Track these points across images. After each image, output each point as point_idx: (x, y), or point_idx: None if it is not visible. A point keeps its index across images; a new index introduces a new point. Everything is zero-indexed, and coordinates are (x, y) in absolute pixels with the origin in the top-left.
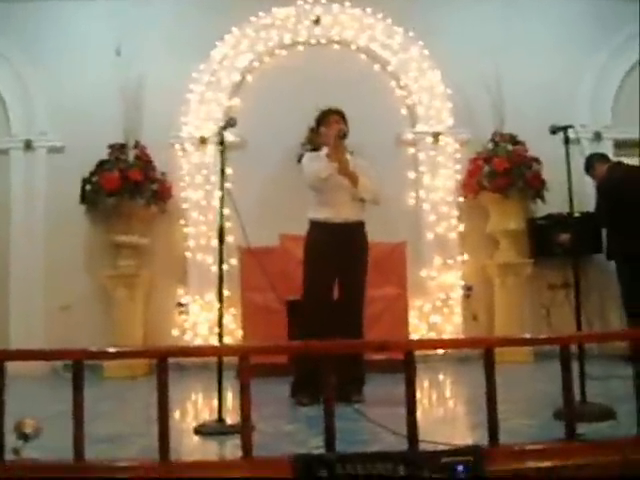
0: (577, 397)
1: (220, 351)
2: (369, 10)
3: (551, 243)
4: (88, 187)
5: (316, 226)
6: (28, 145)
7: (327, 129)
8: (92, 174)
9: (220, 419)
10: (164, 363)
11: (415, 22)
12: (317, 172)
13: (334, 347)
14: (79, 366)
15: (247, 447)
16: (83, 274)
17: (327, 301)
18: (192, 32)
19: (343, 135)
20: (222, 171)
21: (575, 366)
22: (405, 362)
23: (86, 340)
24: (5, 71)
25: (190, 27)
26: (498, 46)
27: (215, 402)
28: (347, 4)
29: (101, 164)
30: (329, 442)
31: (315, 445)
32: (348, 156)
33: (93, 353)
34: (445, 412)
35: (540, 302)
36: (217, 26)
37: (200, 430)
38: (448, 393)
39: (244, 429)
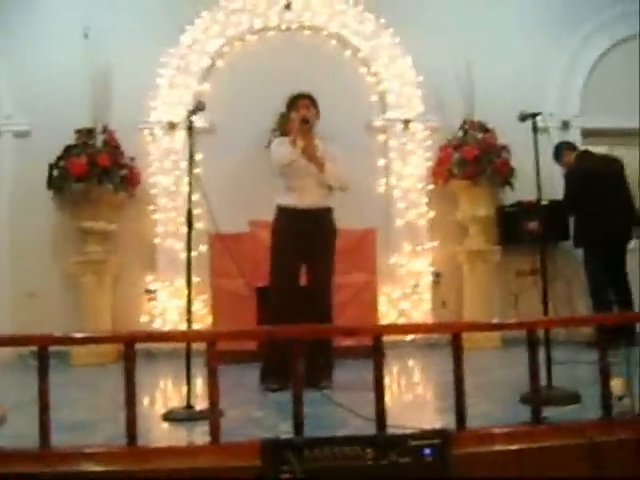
0: (543, 382)
1: (188, 336)
2: None
3: (520, 230)
4: (55, 172)
5: (282, 212)
6: None
7: (295, 114)
8: (59, 159)
9: (189, 406)
10: (131, 349)
11: (386, 9)
12: (281, 158)
13: (302, 332)
14: (44, 352)
15: (215, 433)
16: (50, 260)
17: (293, 287)
18: (162, 16)
19: (306, 121)
20: (191, 156)
21: (542, 352)
22: (373, 347)
23: (53, 327)
24: None
25: (160, 11)
26: (468, 34)
27: (184, 389)
28: None
29: (68, 149)
30: (297, 427)
31: (284, 430)
32: (317, 141)
33: (59, 338)
34: (413, 397)
35: (508, 289)
36: (187, 10)
37: (168, 416)
38: (417, 378)
39: (212, 415)
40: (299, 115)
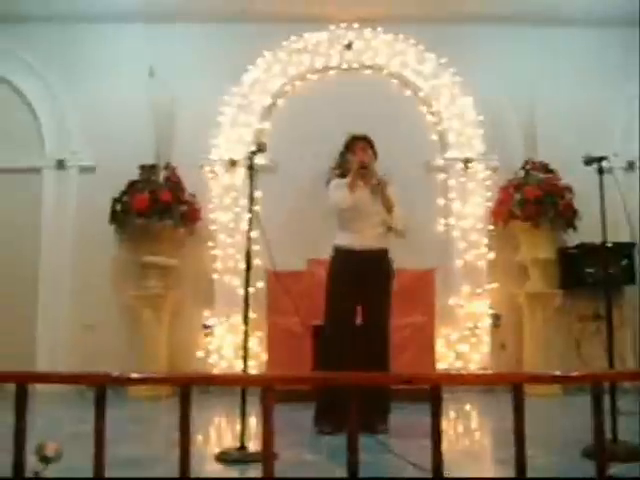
0: (608, 434)
1: (244, 380)
2: (401, 36)
3: (582, 273)
4: (118, 207)
5: (339, 252)
6: (61, 164)
7: (352, 156)
8: (122, 194)
9: (242, 447)
10: (187, 390)
11: (447, 48)
12: (338, 201)
13: (358, 379)
14: (101, 391)
15: (268, 477)
16: (110, 294)
17: (348, 327)
18: (224, 55)
19: (364, 166)
20: (251, 196)
21: (606, 401)
22: (432, 397)
23: (111, 359)
24: (41, 91)
25: (223, 50)
26: (531, 73)
27: (238, 427)
28: (379, 29)
29: (132, 184)
30: (352, 475)
31: (338, 476)
32: (382, 180)
33: (116, 378)
34: (471, 445)
35: (570, 334)
36: (249, 49)
37: (221, 457)
38: (474, 425)
39: (265, 460)
40: (357, 160)
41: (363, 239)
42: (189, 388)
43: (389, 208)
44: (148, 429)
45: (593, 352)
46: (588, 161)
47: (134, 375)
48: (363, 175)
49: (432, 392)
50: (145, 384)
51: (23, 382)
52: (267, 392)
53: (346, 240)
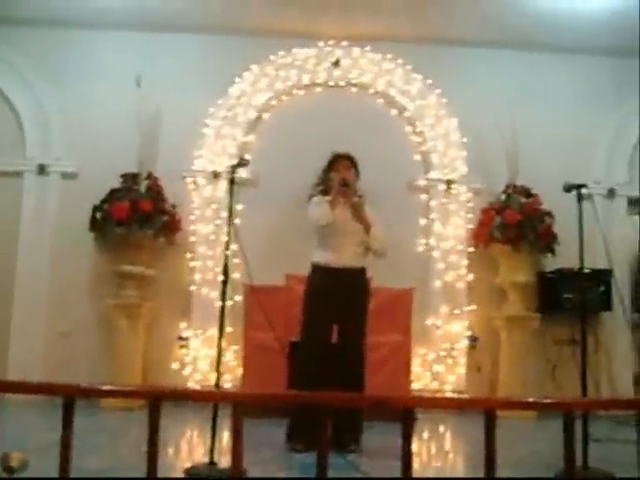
0: (579, 461)
1: (214, 396)
2: (389, 55)
3: (560, 298)
4: (98, 215)
5: (317, 269)
6: (42, 169)
7: (335, 174)
8: (103, 202)
9: (212, 462)
10: (156, 404)
11: (434, 70)
12: (318, 218)
13: (329, 399)
14: (70, 402)
15: None
16: (86, 301)
17: (323, 345)
18: (212, 67)
19: (345, 183)
20: (230, 210)
21: (579, 426)
22: (403, 420)
23: (86, 368)
24: (25, 95)
25: (210, 62)
26: (516, 98)
27: (209, 442)
28: (367, 48)
29: (112, 193)
30: None
31: None
32: (360, 200)
33: (85, 389)
34: (442, 467)
35: (546, 357)
36: (237, 63)
37: (191, 472)
38: (447, 447)
39: (234, 477)
40: (339, 177)
41: (341, 257)
42: (159, 402)
43: (367, 228)
44: (118, 440)
45: (568, 376)
46: (568, 188)
47: (103, 387)
48: (344, 193)
49: (404, 416)
50: (114, 396)
51: None
52: (237, 409)
53: (324, 258)
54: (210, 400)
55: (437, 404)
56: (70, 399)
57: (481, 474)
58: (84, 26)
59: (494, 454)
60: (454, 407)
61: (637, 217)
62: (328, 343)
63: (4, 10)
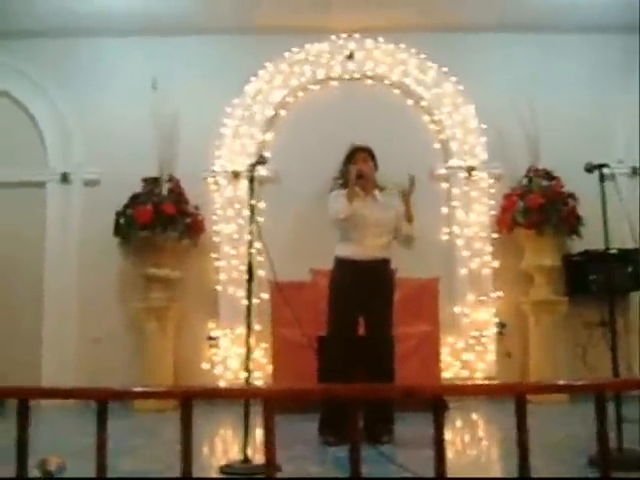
0: (613, 443)
1: (244, 393)
2: (402, 45)
3: (587, 280)
4: (122, 220)
5: (340, 263)
6: (65, 178)
7: (352, 167)
8: (126, 207)
9: (246, 459)
10: (188, 404)
11: (449, 57)
12: (336, 212)
13: (360, 391)
14: (103, 406)
15: None
16: (115, 306)
17: (350, 338)
18: (227, 67)
19: (361, 175)
20: (252, 208)
21: (612, 408)
22: (434, 408)
23: (117, 372)
24: (44, 104)
25: (225, 62)
26: (532, 81)
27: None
28: (381, 39)
29: (135, 197)
30: None
31: None
32: (376, 192)
33: (117, 393)
34: (477, 455)
35: (576, 341)
36: (251, 61)
37: (225, 470)
38: (480, 434)
39: (268, 474)
40: (355, 169)
41: (364, 249)
42: (190, 402)
43: (409, 216)
44: (153, 442)
45: (599, 359)
46: (589, 169)
47: (136, 389)
48: (362, 185)
49: (434, 404)
50: (146, 398)
51: (25, 397)
52: (268, 405)
53: (347, 251)
54: (240, 397)
55: (466, 391)
56: (103, 402)
57: (515, 461)
58: (98, 33)
59: (526, 440)
60: (483, 393)
61: None
62: (355, 336)
63: (20, 23)
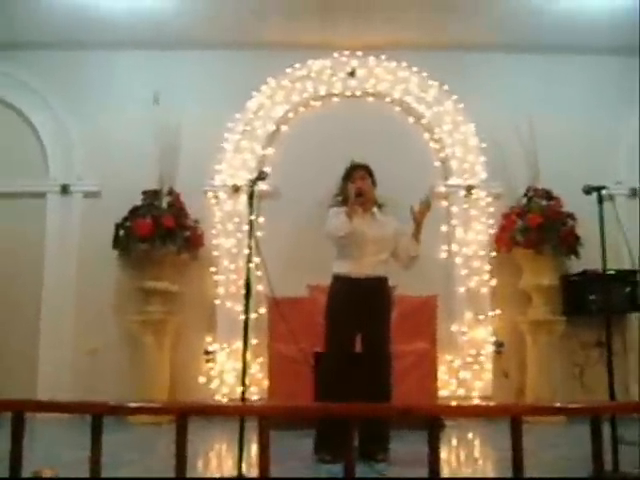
0: (609, 464)
1: (240, 410)
2: (404, 64)
3: (585, 300)
4: (121, 232)
5: (338, 280)
6: (65, 189)
7: (351, 184)
8: (125, 220)
9: (240, 475)
10: (183, 420)
11: (450, 76)
12: (335, 229)
13: (355, 411)
14: (98, 420)
15: None
16: (112, 318)
17: (347, 355)
18: (229, 82)
19: (359, 194)
20: (251, 224)
21: (608, 429)
22: (430, 429)
23: (113, 384)
24: (46, 116)
25: (227, 77)
26: (533, 100)
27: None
28: (382, 57)
29: (134, 210)
30: None
31: None
32: (374, 210)
33: (113, 408)
34: (472, 475)
35: (573, 361)
36: (253, 76)
37: None
38: (476, 454)
39: None
40: (354, 187)
41: (361, 267)
42: (185, 418)
43: (417, 234)
44: (147, 455)
45: (597, 379)
46: (587, 190)
47: (131, 405)
48: (361, 202)
49: (431, 426)
50: (141, 413)
51: (20, 410)
52: (263, 423)
53: (344, 268)
54: (236, 414)
55: (463, 412)
56: (98, 417)
57: None
58: (102, 46)
59: (521, 461)
60: (480, 415)
61: None
62: (352, 353)
63: (24, 35)
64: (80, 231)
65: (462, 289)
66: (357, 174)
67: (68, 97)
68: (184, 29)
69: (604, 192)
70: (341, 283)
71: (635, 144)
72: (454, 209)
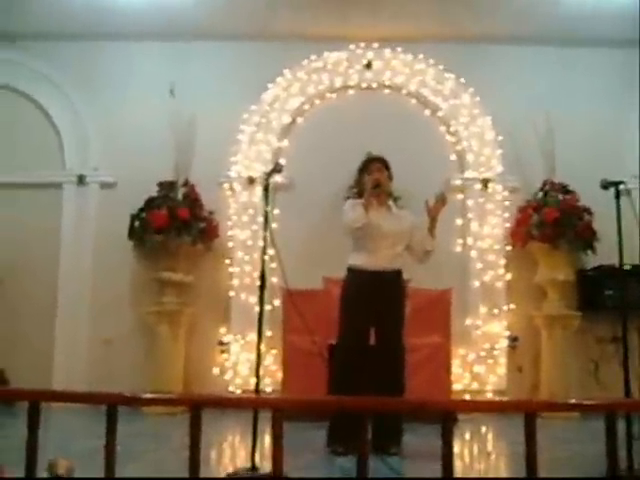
0: (624, 461)
1: (254, 403)
2: (421, 56)
3: (601, 295)
4: (136, 223)
5: (353, 272)
6: (81, 180)
7: (368, 177)
8: (141, 210)
9: (253, 467)
10: (197, 413)
11: (466, 68)
12: (352, 221)
13: (368, 404)
14: (113, 411)
15: None
16: (128, 309)
17: (361, 347)
18: (244, 74)
19: (377, 185)
20: (266, 216)
21: (623, 426)
22: (443, 423)
23: (128, 374)
24: (63, 106)
25: (243, 69)
26: (549, 94)
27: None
28: (399, 49)
29: (150, 201)
30: None
31: None
32: (390, 203)
33: (127, 398)
34: (485, 470)
35: (588, 356)
36: (269, 68)
37: (232, 477)
38: (489, 448)
39: None
40: (371, 179)
41: (377, 260)
42: (199, 409)
43: (432, 228)
44: (162, 446)
45: (612, 375)
46: (605, 185)
47: (145, 396)
48: (377, 195)
49: (444, 420)
50: (156, 404)
51: (36, 400)
52: (277, 415)
53: (360, 260)
54: (249, 406)
55: (477, 407)
56: (113, 408)
57: (524, 476)
58: (118, 38)
59: (535, 458)
60: (494, 410)
61: None
62: (366, 346)
63: (40, 25)
64: (96, 222)
65: (477, 283)
66: (374, 166)
67: (84, 88)
68: (200, 21)
69: (621, 187)
70: (356, 275)
71: None
72: (470, 202)
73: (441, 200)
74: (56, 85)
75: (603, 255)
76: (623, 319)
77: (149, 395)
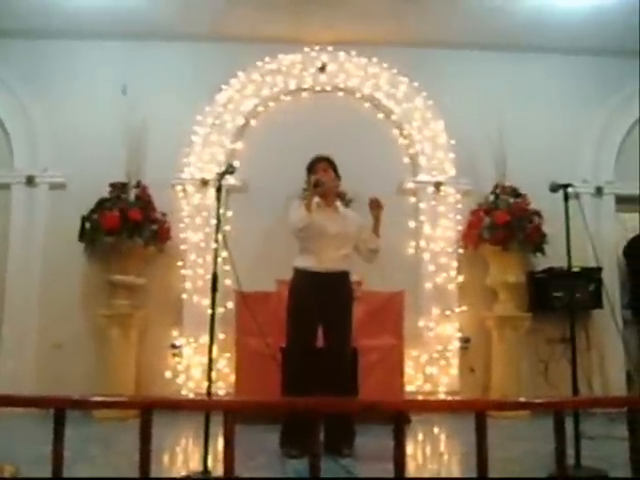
0: (572, 459)
1: (205, 405)
2: (375, 59)
3: (550, 297)
4: (87, 225)
5: (298, 274)
6: (30, 180)
7: (313, 177)
8: (92, 212)
9: (205, 470)
10: (148, 415)
11: (420, 72)
12: (294, 221)
13: (320, 405)
14: (61, 414)
15: None
16: (78, 312)
17: (309, 349)
18: (198, 75)
19: (317, 184)
20: (218, 217)
21: (571, 424)
22: (395, 425)
23: (79, 378)
24: (12, 106)
25: (196, 70)
26: (502, 99)
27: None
28: (353, 53)
29: (101, 202)
30: None
31: None
32: (338, 204)
33: (76, 401)
34: (437, 469)
35: (538, 356)
36: (223, 69)
37: None
38: (441, 449)
39: None
40: (313, 178)
41: (322, 261)
42: (150, 412)
43: (376, 228)
44: (111, 450)
45: (561, 374)
46: (554, 188)
47: (94, 398)
48: (321, 194)
49: (396, 421)
50: (105, 407)
51: None
52: (228, 418)
53: (305, 262)
54: (201, 409)
55: (428, 407)
56: (61, 411)
57: (475, 476)
58: (69, 36)
59: (486, 456)
60: (445, 410)
61: (624, 215)
62: (313, 348)
63: None
64: (45, 223)
65: (429, 285)
66: (318, 166)
67: (34, 87)
68: (154, 20)
69: (570, 190)
70: (302, 277)
71: (601, 143)
72: (422, 205)
73: (376, 206)
74: (5, 83)
75: (552, 257)
76: (571, 320)
77: (98, 398)
